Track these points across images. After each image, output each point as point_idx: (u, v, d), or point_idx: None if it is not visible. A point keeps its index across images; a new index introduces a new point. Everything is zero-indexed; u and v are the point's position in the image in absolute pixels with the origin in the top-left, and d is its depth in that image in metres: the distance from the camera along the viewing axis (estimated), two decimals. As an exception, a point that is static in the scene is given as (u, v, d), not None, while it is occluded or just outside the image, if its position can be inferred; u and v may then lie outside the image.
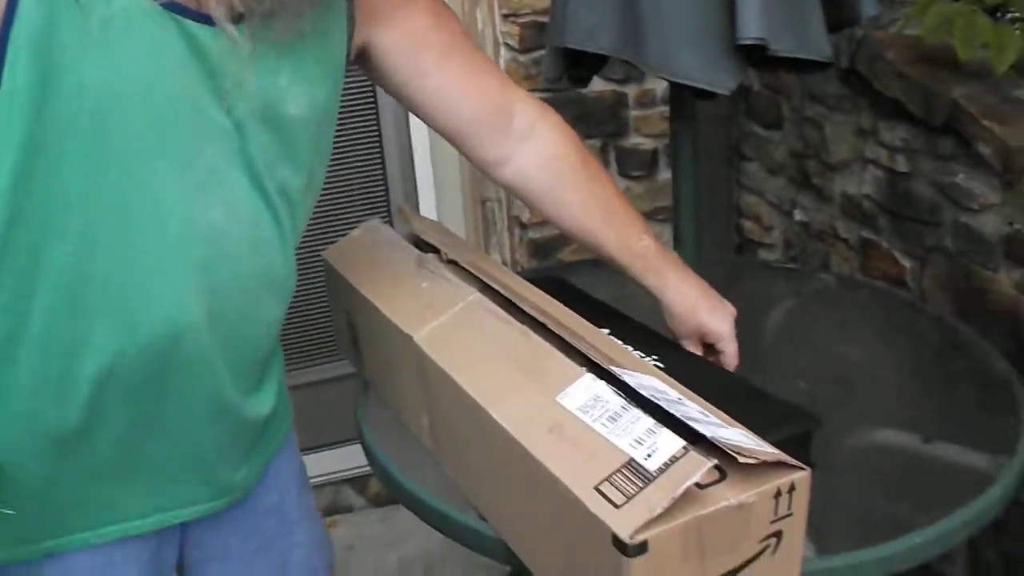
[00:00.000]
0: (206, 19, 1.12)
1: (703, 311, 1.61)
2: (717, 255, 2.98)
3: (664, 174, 3.11)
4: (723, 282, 1.76)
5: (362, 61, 1.42)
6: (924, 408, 1.85)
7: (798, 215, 2.96)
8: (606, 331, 1.50)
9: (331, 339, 2.90)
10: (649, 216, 3.10)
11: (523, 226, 3.05)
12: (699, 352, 1.65)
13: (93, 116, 1.07)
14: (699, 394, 1.27)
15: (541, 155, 1.56)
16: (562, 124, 1.59)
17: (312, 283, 2.07)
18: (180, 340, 1.21)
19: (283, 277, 1.34)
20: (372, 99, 3.05)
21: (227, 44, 1.14)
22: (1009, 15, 2.36)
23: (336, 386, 3.09)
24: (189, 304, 1.21)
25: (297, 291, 1.40)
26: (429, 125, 1.53)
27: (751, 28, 1.76)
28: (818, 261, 2.87)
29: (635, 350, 1.50)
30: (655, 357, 1.53)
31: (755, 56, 1.85)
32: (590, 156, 1.61)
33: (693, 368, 1.55)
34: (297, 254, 1.37)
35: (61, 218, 1.10)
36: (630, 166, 3.10)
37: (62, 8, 1.03)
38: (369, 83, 2.98)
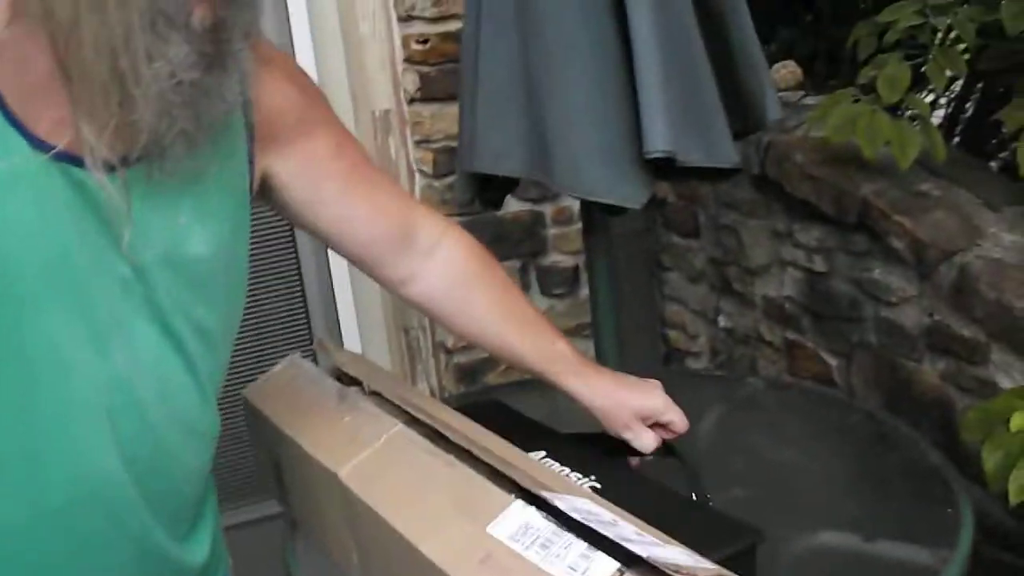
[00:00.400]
0: None
1: (630, 397, 1.57)
2: (642, 367, 2.97)
3: (585, 290, 3.11)
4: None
5: (263, 191, 1.39)
6: (863, 506, 1.83)
7: (722, 321, 2.96)
8: (542, 453, 1.47)
9: (257, 478, 2.83)
10: (573, 333, 3.10)
11: (448, 351, 3.02)
12: (653, 438, 1.59)
13: None
14: (639, 513, 1.24)
15: (446, 270, 1.54)
16: (466, 238, 1.57)
17: (235, 421, 2.01)
18: (98, 494, 1.16)
19: (201, 422, 1.29)
20: (289, 232, 3.03)
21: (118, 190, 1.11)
22: (908, 112, 2.41)
23: (265, 526, 3.01)
24: (100, 456, 1.16)
25: (221, 430, 1.35)
26: (334, 250, 1.51)
27: (658, 142, 1.77)
28: (745, 366, 2.87)
29: (572, 471, 1.47)
30: (592, 478, 1.50)
31: (664, 168, 1.85)
32: (496, 267, 1.59)
33: (632, 487, 1.52)
34: (219, 393, 1.33)
35: None
36: (551, 284, 3.10)
37: None
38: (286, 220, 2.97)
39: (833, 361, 2.50)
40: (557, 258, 3.10)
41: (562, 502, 1.21)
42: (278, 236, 3.04)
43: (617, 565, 1.08)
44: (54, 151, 1.06)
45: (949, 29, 2.30)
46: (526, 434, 1.46)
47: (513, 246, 3.03)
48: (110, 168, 1.09)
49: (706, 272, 3.01)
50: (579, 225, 3.03)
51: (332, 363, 1.75)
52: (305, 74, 1.41)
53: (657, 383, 1.61)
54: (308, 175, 1.38)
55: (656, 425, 1.60)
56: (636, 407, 1.57)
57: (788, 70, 3.06)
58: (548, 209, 3.05)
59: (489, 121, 1.93)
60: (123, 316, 1.16)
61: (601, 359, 2.30)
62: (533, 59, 1.85)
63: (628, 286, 2.91)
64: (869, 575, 1.63)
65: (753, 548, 1.43)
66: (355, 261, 1.53)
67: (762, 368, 2.79)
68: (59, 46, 1.04)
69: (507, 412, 1.75)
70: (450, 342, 3.00)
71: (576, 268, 3.12)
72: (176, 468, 1.27)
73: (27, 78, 1.06)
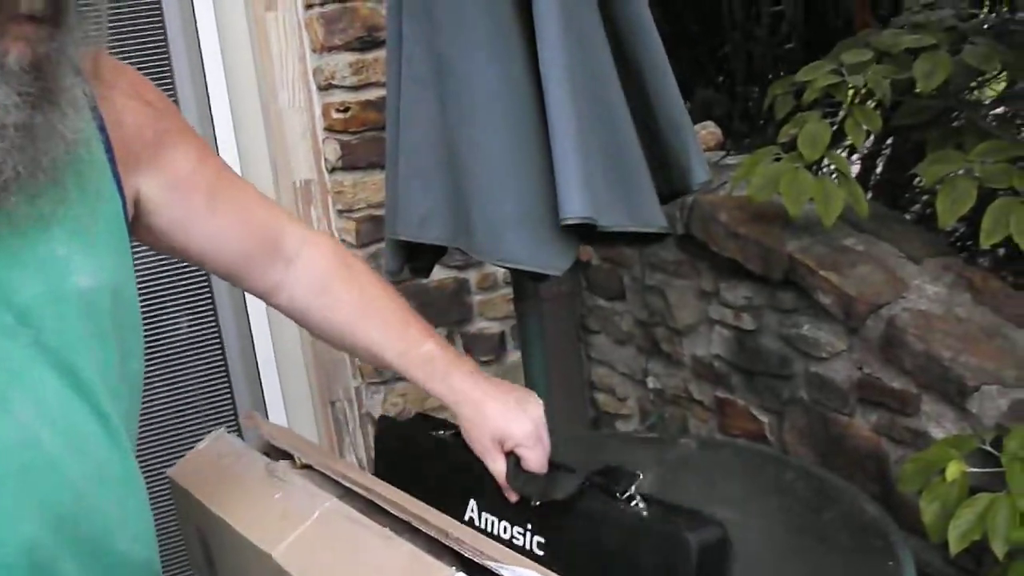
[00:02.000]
0: None
1: (494, 415, 1.46)
2: (573, 432, 2.95)
3: (513, 356, 3.09)
4: (583, 459, 1.71)
5: (134, 223, 1.34)
6: (804, 562, 1.81)
7: (651, 383, 2.95)
8: (472, 503, 1.43)
9: (184, 558, 2.76)
10: (503, 399, 3.07)
11: (375, 422, 2.97)
12: (502, 463, 1.47)
13: None
14: (592, 550, 1.21)
15: (308, 276, 1.49)
16: (329, 243, 1.54)
17: (160, 501, 1.95)
18: (25, 565, 1.10)
19: (122, 472, 1.23)
20: (211, 304, 2.97)
21: None
22: (827, 169, 2.44)
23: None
24: (20, 522, 1.10)
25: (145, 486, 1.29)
26: (203, 268, 1.47)
27: (575, 207, 1.75)
28: (676, 426, 2.86)
29: (512, 525, 1.44)
30: (529, 527, 1.47)
31: (587, 232, 1.84)
32: (360, 269, 1.53)
33: (577, 530, 1.48)
34: (143, 472, 1.27)
35: None
36: (478, 351, 3.08)
37: None
38: (207, 290, 2.92)
39: (765, 418, 2.50)
40: (483, 324, 3.07)
41: (507, 572, 1.18)
42: (201, 308, 2.98)
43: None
44: None
45: (864, 87, 2.33)
46: (451, 477, 1.43)
47: (439, 314, 3.00)
48: None
49: (633, 334, 3.00)
50: (504, 291, 3.02)
51: (260, 437, 1.71)
52: (153, 87, 1.36)
53: (537, 403, 1.50)
54: (176, 191, 1.34)
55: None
56: (495, 429, 1.47)
57: (708, 131, 3.08)
58: (473, 276, 3.03)
59: (411, 188, 1.91)
60: (16, 367, 1.10)
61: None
62: (452, 125, 1.84)
63: (556, 350, 2.90)
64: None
65: (725, 537, 1.41)
66: (226, 276, 1.48)
67: (693, 428, 2.78)
68: None
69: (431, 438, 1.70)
70: (377, 412, 2.96)
71: (502, 334, 3.10)
72: (109, 527, 1.21)
73: None
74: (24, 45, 1.03)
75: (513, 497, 1.47)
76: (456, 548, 1.26)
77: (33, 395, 1.11)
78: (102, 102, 1.23)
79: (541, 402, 1.50)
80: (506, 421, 1.46)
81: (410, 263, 2.08)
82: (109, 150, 1.24)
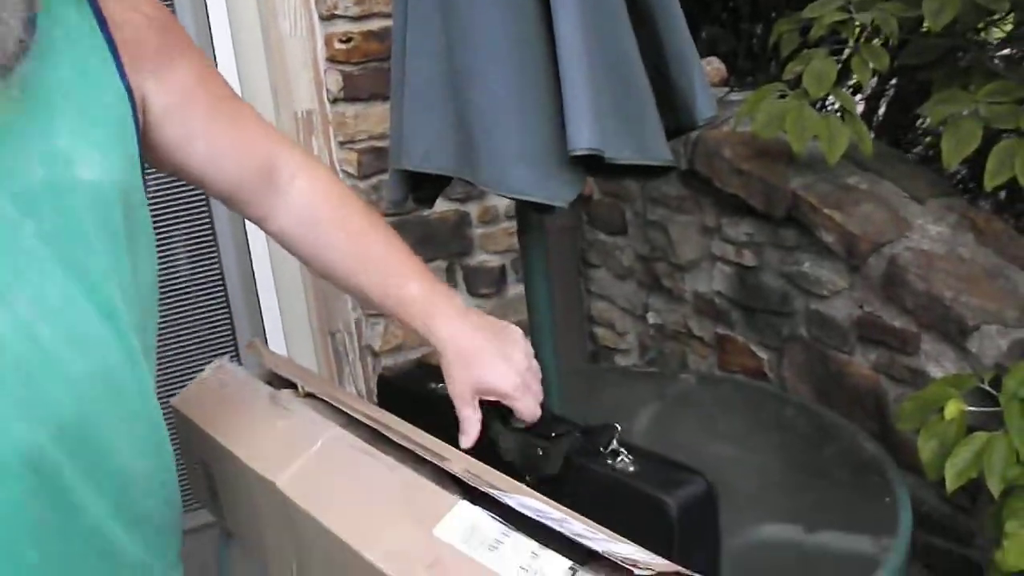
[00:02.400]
0: None
1: (477, 365, 1.40)
2: (575, 365, 2.96)
3: (513, 289, 3.09)
4: (584, 393, 1.72)
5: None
6: (802, 498, 1.84)
7: (651, 318, 2.96)
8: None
9: (187, 488, 2.78)
10: (503, 332, 3.08)
11: (375, 354, 2.99)
12: (475, 429, 1.42)
13: None
14: (587, 498, 1.23)
15: (299, 206, 1.46)
16: (322, 174, 1.50)
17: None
18: (30, 465, 1.08)
19: (133, 386, 1.21)
20: (211, 235, 2.97)
21: None
22: (832, 107, 2.42)
23: (197, 537, 2.95)
24: (14, 420, 1.08)
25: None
26: (202, 189, 1.43)
27: (583, 139, 1.74)
28: (675, 361, 2.87)
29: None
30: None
31: (593, 165, 1.83)
32: (351, 204, 1.50)
33: (571, 473, 1.49)
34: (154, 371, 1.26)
35: None
36: (478, 284, 3.08)
37: None
38: (208, 221, 2.91)
39: (764, 355, 2.50)
40: (484, 258, 3.07)
41: (510, 500, 1.18)
42: (200, 241, 2.98)
43: (569, 563, 1.05)
44: None
45: (872, 24, 2.31)
46: (449, 432, 1.43)
47: (439, 246, 3.00)
48: None
49: (634, 269, 3.01)
50: (505, 224, 3.02)
51: (262, 366, 1.71)
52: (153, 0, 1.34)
53: (522, 349, 1.44)
54: (179, 105, 1.31)
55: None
56: (477, 381, 1.41)
57: (712, 67, 3.06)
58: (474, 209, 3.03)
59: (417, 119, 1.89)
60: (18, 259, 1.09)
61: (538, 358, 2.26)
62: (458, 56, 1.82)
63: (557, 284, 2.90)
64: (812, 566, 1.64)
65: (709, 492, 1.42)
66: (222, 199, 1.46)
67: (692, 364, 2.79)
68: None
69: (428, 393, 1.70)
70: (377, 345, 2.96)
71: (503, 268, 3.10)
72: (116, 437, 1.19)
73: None
74: None
75: (466, 443, 1.42)
76: (462, 478, 1.27)
77: (34, 289, 1.09)
78: (104, 5, 1.21)
79: (528, 345, 1.46)
80: (490, 375, 1.40)
81: (414, 193, 2.07)
82: (112, 48, 1.21)
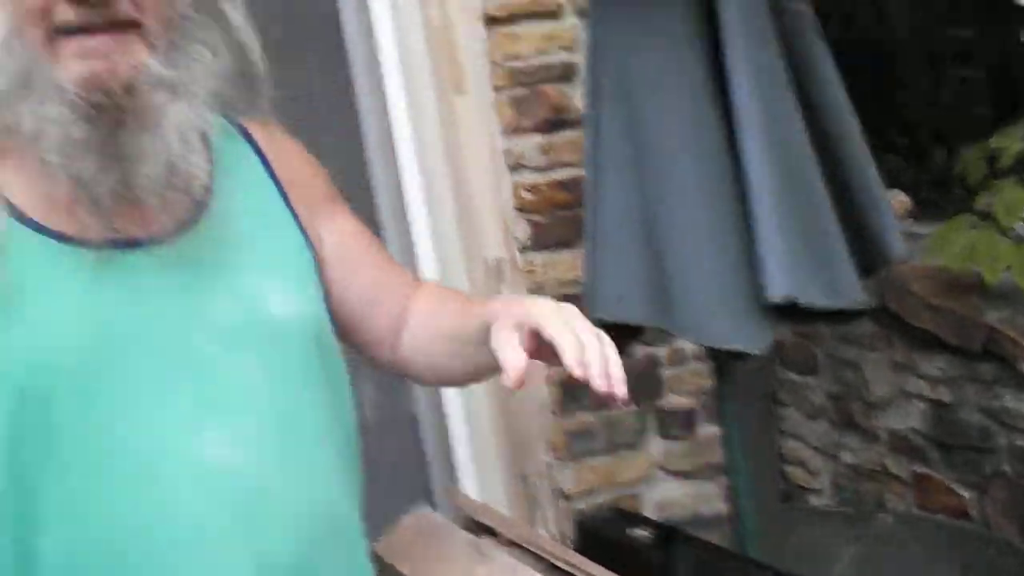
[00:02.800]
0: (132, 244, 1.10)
1: (523, 303, 1.16)
2: (770, 505, 2.92)
3: (703, 431, 3.07)
4: (779, 533, 1.70)
5: None
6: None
7: (845, 457, 2.91)
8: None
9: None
10: (694, 475, 3.06)
11: (567, 498, 2.99)
12: (518, 357, 1.10)
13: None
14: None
15: (413, 325, 1.39)
16: (425, 289, 1.44)
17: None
18: None
19: (352, 525, 1.23)
20: (403, 379, 3.04)
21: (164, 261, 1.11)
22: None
23: None
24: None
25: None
26: (349, 337, 1.38)
27: (778, 286, 1.76)
28: (871, 502, 2.80)
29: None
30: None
31: (787, 311, 1.84)
32: (440, 294, 1.45)
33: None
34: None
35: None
36: (669, 426, 3.07)
37: None
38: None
39: (966, 493, 2.43)
40: (674, 399, 3.07)
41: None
42: (392, 387, 3.06)
43: None
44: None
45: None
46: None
47: (630, 389, 3.01)
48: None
49: (825, 408, 2.97)
50: (694, 366, 3.02)
51: (458, 510, 1.75)
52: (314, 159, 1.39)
53: (572, 308, 1.15)
54: (342, 250, 1.34)
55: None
56: (516, 312, 1.15)
57: (897, 200, 3.04)
58: (663, 351, 3.04)
59: (609, 267, 1.94)
60: (228, 392, 1.12)
61: (736, 499, 2.24)
62: (651, 205, 1.87)
63: (748, 424, 2.88)
64: None
65: None
66: (363, 343, 1.41)
67: (889, 503, 2.73)
68: None
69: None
70: (569, 487, 2.98)
71: (693, 410, 3.09)
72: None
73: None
74: (83, 63, 1.04)
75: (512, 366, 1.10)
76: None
77: (253, 421, 1.12)
78: (271, 142, 1.29)
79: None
80: (531, 306, 1.15)
81: (607, 342, 2.11)
82: (277, 183, 1.27)
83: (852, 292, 1.83)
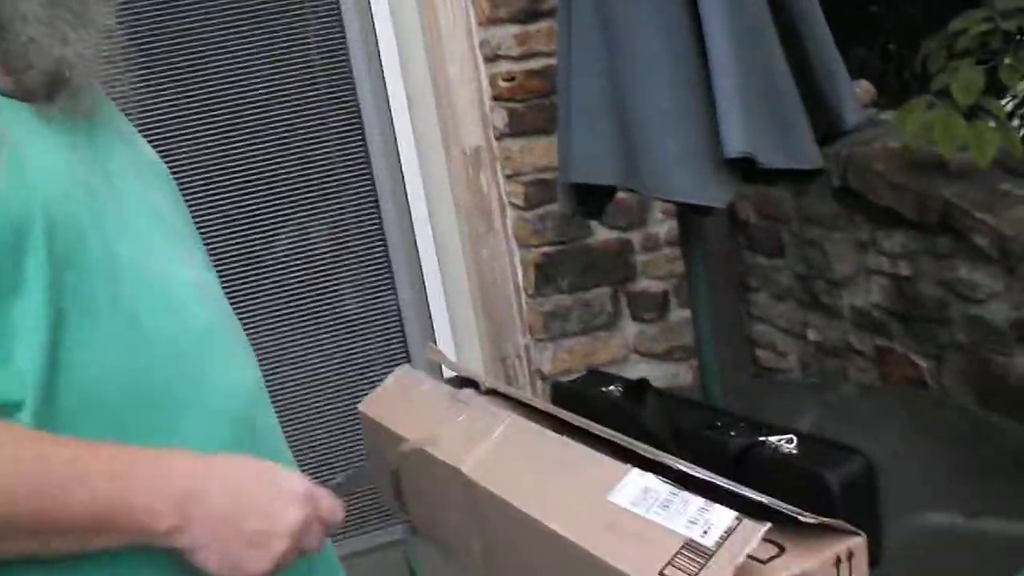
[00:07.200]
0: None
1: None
2: (738, 382, 3.03)
3: (676, 314, 3.18)
4: (747, 407, 1.78)
5: None
6: (964, 490, 1.87)
7: (811, 335, 3.02)
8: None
9: (376, 506, 2.91)
10: (665, 357, 3.17)
11: (544, 378, 3.10)
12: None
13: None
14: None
15: None
16: None
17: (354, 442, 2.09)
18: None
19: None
20: (389, 278, 3.13)
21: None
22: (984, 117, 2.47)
23: (385, 552, 3.06)
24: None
25: (339, 454, 1.36)
26: None
27: (735, 143, 1.85)
28: (837, 378, 2.91)
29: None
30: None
31: (747, 172, 1.93)
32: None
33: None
34: (333, 414, 1.37)
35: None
36: (642, 309, 3.17)
37: None
38: (386, 265, 3.09)
39: (924, 363, 2.54)
40: (646, 283, 3.17)
41: (680, 465, 1.28)
42: (379, 279, 3.14)
43: (734, 514, 1.14)
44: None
45: (1020, 32, 2.36)
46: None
47: (603, 274, 3.11)
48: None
49: (792, 289, 3.07)
50: (666, 251, 3.12)
51: (446, 369, 1.82)
52: None
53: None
54: None
55: None
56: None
57: (862, 88, 3.12)
58: (636, 236, 3.13)
59: (582, 134, 2.03)
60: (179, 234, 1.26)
61: (705, 379, 2.34)
62: (619, 74, 1.95)
63: (718, 308, 2.98)
64: (975, 550, 1.68)
65: (869, 468, 1.48)
66: None
67: (854, 378, 2.84)
68: None
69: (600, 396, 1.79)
70: (547, 368, 3.08)
71: (665, 293, 3.19)
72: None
73: None
74: None
75: None
76: (631, 447, 1.37)
77: (192, 246, 1.28)
78: None
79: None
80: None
81: (581, 207, 2.21)
82: None
83: (808, 154, 1.92)
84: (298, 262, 3.09)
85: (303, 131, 3.07)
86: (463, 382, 1.73)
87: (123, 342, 1.10)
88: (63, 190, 1.08)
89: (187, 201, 1.36)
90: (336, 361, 3.11)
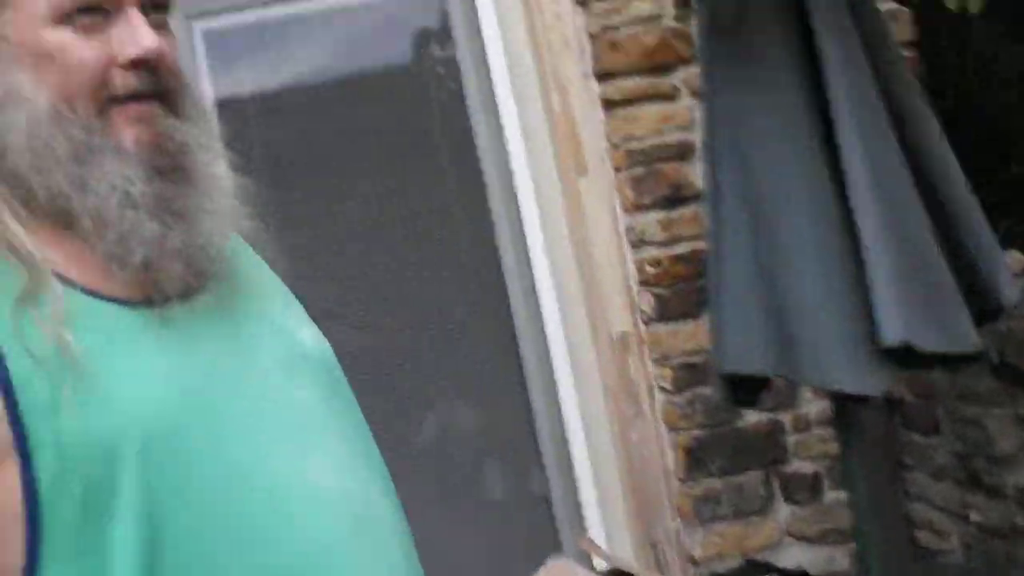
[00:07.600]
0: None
1: None
2: (899, 565, 2.94)
3: (829, 496, 3.12)
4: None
5: None
6: None
7: (973, 516, 2.92)
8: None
9: None
10: (819, 539, 3.10)
11: (695, 563, 3.06)
12: None
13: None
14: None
15: None
16: None
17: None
18: None
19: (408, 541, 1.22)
20: (535, 451, 3.15)
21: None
22: None
23: None
24: None
25: None
26: None
27: (892, 331, 1.84)
28: (1003, 561, 2.81)
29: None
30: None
31: (903, 358, 1.92)
32: None
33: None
34: None
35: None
36: (794, 491, 3.13)
37: None
38: (529, 436, 3.12)
39: (1098, 547, 2.45)
40: (798, 465, 3.13)
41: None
42: (522, 460, 3.16)
43: None
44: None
45: None
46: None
47: (754, 456, 3.09)
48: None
49: (950, 467, 2.99)
50: (818, 432, 3.08)
51: (601, 564, 1.83)
52: None
53: None
54: None
55: None
56: None
57: (1013, 259, 3.08)
58: (786, 417, 3.11)
59: (733, 321, 2.05)
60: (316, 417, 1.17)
61: (865, 563, 2.29)
62: (768, 259, 1.98)
63: (875, 488, 2.92)
64: None
65: None
66: None
67: (1022, 560, 2.73)
68: None
69: None
70: (697, 553, 3.04)
71: (817, 474, 3.14)
72: None
73: None
74: (139, 127, 1.07)
75: None
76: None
77: (335, 444, 1.16)
78: None
79: None
80: None
81: (734, 396, 2.21)
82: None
83: (967, 337, 1.90)
84: (444, 445, 3.14)
85: (448, 314, 3.16)
86: (618, 575, 1.74)
87: (226, 557, 1.06)
88: (161, 404, 1.05)
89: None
90: (482, 549, 3.11)
